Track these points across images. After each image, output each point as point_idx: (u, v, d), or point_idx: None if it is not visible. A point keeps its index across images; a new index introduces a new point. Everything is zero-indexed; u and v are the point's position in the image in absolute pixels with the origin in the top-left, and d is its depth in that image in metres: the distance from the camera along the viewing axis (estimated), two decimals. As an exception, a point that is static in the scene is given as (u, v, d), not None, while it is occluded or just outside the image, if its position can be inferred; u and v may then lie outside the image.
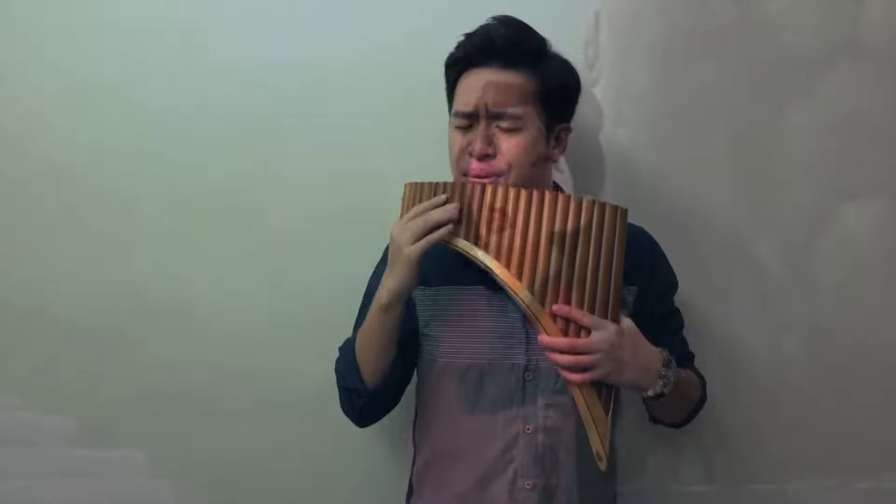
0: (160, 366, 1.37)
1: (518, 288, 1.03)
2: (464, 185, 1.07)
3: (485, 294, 1.14)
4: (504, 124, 1.10)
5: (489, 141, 1.10)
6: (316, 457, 1.38)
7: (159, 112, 1.35)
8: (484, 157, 1.10)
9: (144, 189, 1.36)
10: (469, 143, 1.11)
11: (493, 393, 1.12)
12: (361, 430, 1.23)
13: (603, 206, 1.06)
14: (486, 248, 1.05)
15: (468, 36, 1.14)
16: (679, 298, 1.24)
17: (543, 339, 1.03)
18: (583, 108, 1.23)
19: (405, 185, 1.12)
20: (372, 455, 1.38)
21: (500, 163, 1.10)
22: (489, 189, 1.06)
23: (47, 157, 1.35)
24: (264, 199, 1.37)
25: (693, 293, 1.34)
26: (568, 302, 1.03)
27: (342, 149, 1.36)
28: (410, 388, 1.24)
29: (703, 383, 1.23)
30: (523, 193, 1.06)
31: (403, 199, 1.12)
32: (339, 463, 1.38)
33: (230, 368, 1.37)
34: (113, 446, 1.37)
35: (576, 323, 1.03)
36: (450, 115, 1.17)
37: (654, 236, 1.23)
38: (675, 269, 1.24)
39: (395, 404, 1.22)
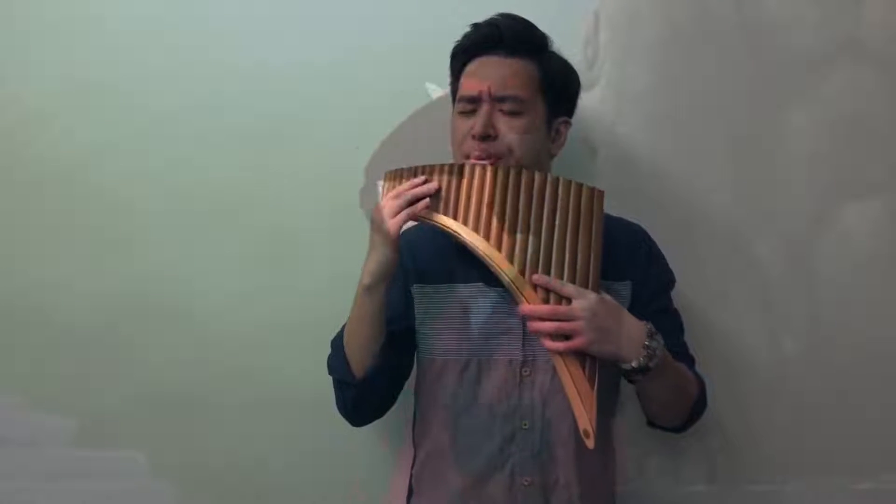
0: (160, 366, 1.37)
1: (500, 260, 1.04)
2: (442, 166, 1.09)
3: (483, 291, 1.14)
4: (506, 107, 1.12)
5: (491, 123, 1.12)
6: (316, 457, 1.37)
7: (159, 112, 1.36)
8: (485, 139, 1.12)
9: (144, 189, 1.36)
10: (471, 127, 1.13)
11: (490, 389, 1.12)
12: (362, 430, 1.23)
13: (580, 185, 1.07)
14: (465, 223, 1.06)
15: (475, 26, 1.17)
16: (678, 298, 1.24)
17: (524, 307, 1.03)
18: (582, 108, 1.23)
19: (385, 173, 1.13)
20: (372, 455, 1.38)
21: (500, 145, 1.12)
22: (466, 168, 1.08)
23: (47, 157, 1.35)
24: (264, 199, 1.37)
25: (692, 293, 1.34)
26: (548, 275, 1.04)
27: (342, 148, 1.36)
28: (410, 389, 1.24)
29: (703, 386, 1.21)
30: (500, 171, 1.07)
31: (384, 187, 1.13)
32: (339, 463, 1.37)
33: (230, 368, 1.37)
34: (113, 446, 1.37)
35: (556, 293, 1.03)
36: (453, 104, 1.19)
37: (654, 235, 1.23)
38: (674, 269, 1.23)
39: (391, 403, 1.22)
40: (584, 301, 1.02)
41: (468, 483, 1.13)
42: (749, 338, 1.38)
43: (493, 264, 1.04)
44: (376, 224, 1.08)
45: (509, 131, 1.12)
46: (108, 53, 1.35)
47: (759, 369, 1.38)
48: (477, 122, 1.12)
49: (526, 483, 1.11)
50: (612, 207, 1.14)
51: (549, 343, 1.01)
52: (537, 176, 1.07)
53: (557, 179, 1.07)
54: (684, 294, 1.27)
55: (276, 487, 1.38)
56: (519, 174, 1.07)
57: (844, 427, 1.38)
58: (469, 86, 1.14)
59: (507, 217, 1.06)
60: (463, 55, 1.18)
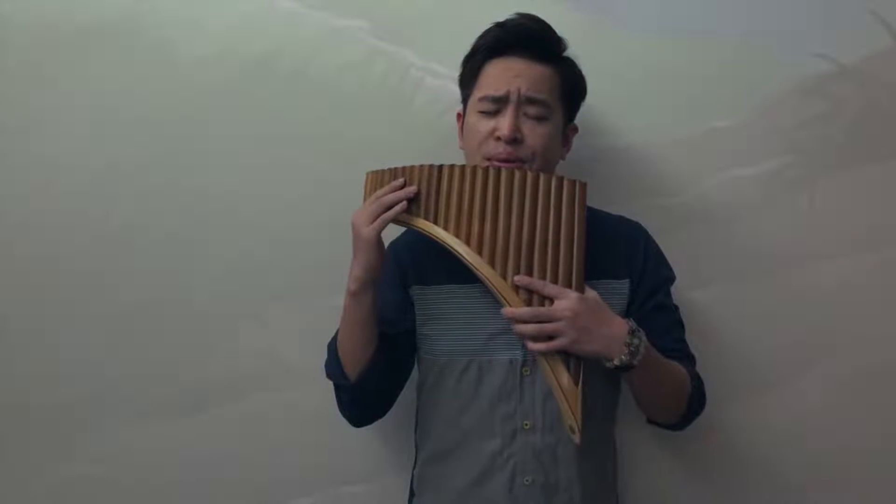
0: (160, 365, 1.37)
1: (479, 263, 1.06)
2: (421, 168, 1.09)
3: (483, 291, 1.13)
4: (533, 111, 1.12)
5: (518, 126, 1.11)
6: (317, 458, 1.38)
7: (160, 112, 1.36)
8: (512, 142, 1.11)
9: (145, 190, 1.37)
10: (495, 128, 1.12)
11: (491, 389, 1.13)
12: (364, 431, 1.24)
13: (561, 179, 1.08)
14: (446, 226, 1.07)
15: (499, 25, 1.16)
16: (678, 297, 1.24)
17: (506, 310, 1.04)
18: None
19: (366, 174, 1.14)
20: (373, 457, 1.38)
21: (525, 149, 1.12)
22: (446, 170, 1.08)
23: (48, 157, 1.36)
24: (264, 199, 1.37)
25: (692, 292, 1.34)
26: (530, 274, 1.05)
27: (343, 148, 1.36)
28: (411, 392, 1.24)
29: (700, 384, 1.19)
30: (479, 171, 1.08)
31: (365, 188, 1.14)
32: (340, 465, 1.38)
33: (230, 369, 1.37)
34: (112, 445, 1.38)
35: (538, 293, 1.04)
36: (466, 102, 1.18)
37: (653, 233, 1.23)
38: (675, 268, 1.23)
39: (390, 404, 1.22)
40: (565, 301, 1.03)
41: (469, 483, 1.13)
42: (749, 338, 1.38)
43: (474, 267, 1.06)
44: (355, 230, 1.08)
45: (535, 137, 1.11)
46: (108, 54, 1.36)
47: (759, 369, 1.38)
48: (504, 124, 1.11)
49: (527, 483, 1.11)
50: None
51: (531, 344, 1.04)
52: (517, 173, 1.07)
53: (538, 175, 1.07)
54: (683, 293, 1.26)
55: (276, 488, 1.38)
56: (498, 173, 1.07)
57: (844, 428, 1.38)
58: (494, 86, 1.12)
59: (487, 218, 1.06)
60: (484, 53, 1.15)
